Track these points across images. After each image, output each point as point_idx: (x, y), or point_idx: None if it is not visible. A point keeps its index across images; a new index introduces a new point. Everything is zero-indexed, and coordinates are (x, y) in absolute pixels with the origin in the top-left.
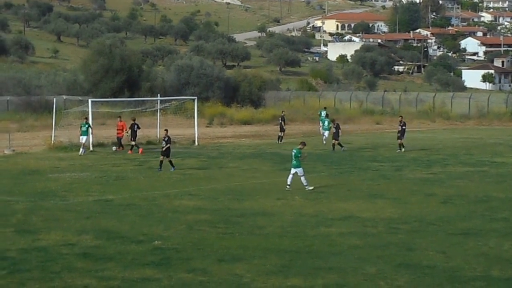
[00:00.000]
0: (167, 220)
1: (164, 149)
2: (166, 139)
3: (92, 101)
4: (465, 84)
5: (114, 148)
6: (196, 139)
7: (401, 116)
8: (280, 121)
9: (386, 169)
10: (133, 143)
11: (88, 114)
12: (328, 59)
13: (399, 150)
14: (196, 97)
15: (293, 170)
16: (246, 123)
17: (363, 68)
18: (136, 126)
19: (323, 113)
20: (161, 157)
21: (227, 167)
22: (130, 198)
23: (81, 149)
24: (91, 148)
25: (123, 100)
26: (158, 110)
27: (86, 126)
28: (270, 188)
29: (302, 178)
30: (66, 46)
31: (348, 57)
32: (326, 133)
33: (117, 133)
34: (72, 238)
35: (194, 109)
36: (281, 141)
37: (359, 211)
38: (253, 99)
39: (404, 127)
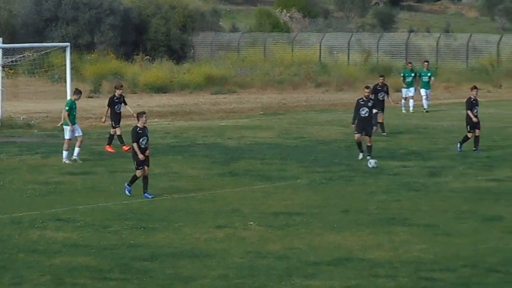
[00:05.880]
0: (16, 268)
1: None
2: None
3: None
4: None
5: None
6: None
7: (382, 75)
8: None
9: (413, 173)
10: None
11: None
12: None
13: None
14: (69, 44)
15: None
16: (160, 90)
17: None
18: None
19: (407, 73)
20: None
21: (125, 170)
22: None
23: (64, 153)
24: None
25: None
26: (0, 68)
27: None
28: (204, 208)
29: None
30: None
31: None
32: (427, 92)
33: None
34: None
35: (66, 66)
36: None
37: (364, 248)
38: (172, 47)
39: (381, 94)
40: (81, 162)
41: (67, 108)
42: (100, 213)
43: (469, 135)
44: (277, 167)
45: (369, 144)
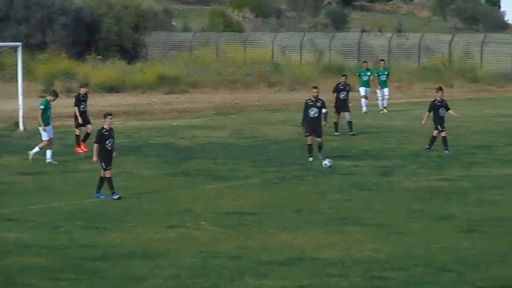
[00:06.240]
0: None
1: None
2: None
3: None
4: (507, 19)
5: None
6: (21, 119)
7: (344, 75)
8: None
9: (365, 173)
10: None
11: None
12: None
13: (337, 133)
14: (20, 44)
15: None
16: (112, 90)
17: None
18: None
19: (363, 72)
20: None
21: (76, 170)
22: None
23: (36, 149)
24: None
25: None
26: None
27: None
28: (156, 208)
29: None
30: None
31: None
32: (386, 91)
33: None
34: None
35: (17, 65)
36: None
37: (317, 248)
38: (124, 46)
39: (343, 93)
40: (56, 163)
41: (42, 107)
42: (51, 213)
43: (443, 133)
44: (229, 166)
45: (320, 145)
